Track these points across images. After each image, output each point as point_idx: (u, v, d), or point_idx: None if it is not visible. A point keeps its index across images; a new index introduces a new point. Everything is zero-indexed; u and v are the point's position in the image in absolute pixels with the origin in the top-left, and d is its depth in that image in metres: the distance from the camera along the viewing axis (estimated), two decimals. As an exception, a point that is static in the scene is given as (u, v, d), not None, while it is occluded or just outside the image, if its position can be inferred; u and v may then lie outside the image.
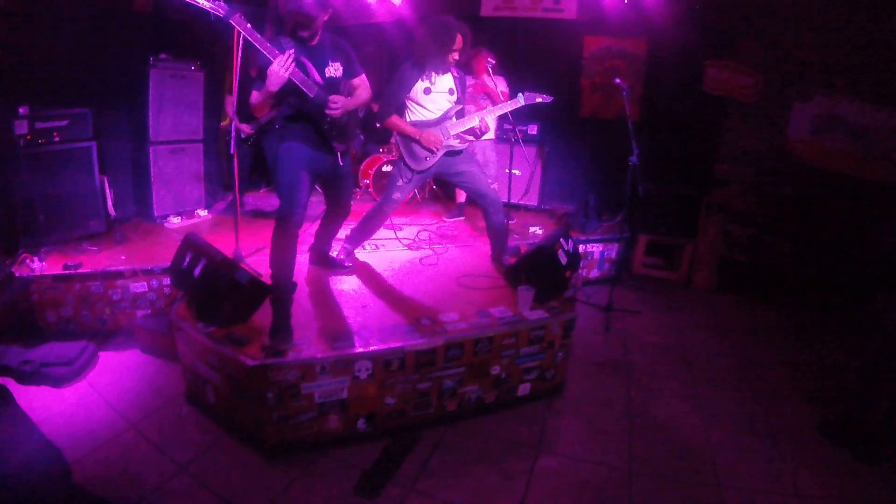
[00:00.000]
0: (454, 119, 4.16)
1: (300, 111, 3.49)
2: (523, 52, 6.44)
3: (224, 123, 5.98)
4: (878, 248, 4.68)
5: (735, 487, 3.04)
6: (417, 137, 4.05)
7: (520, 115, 5.04)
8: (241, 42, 3.96)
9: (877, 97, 5.25)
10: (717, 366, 4.35)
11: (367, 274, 4.39)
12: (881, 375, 3.26)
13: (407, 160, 4.14)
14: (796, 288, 5.68)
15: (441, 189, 6.86)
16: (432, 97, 4.08)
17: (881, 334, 3.24)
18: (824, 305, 5.41)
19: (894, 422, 3.27)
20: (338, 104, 3.46)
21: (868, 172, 5.36)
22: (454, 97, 4.15)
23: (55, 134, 4.45)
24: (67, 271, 4.10)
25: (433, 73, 4.04)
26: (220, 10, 3.15)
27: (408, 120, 4.13)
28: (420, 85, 4.04)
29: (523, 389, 3.68)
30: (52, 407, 3.47)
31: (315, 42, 3.48)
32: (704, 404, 3.82)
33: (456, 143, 4.16)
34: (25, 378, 3.65)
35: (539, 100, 4.34)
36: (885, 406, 3.28)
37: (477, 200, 4.37)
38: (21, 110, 4.27)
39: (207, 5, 3.12)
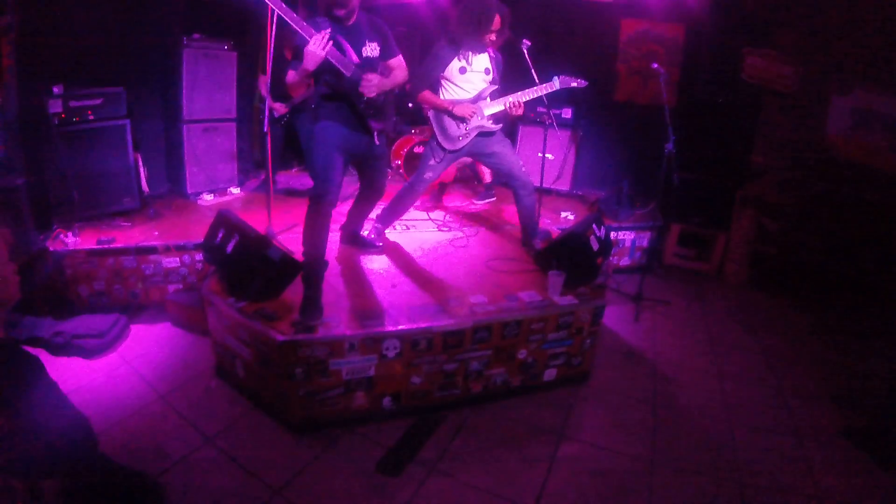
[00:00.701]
0: (489, 99, 4.12)
1: (336, 90, 3.48)
2: (558, 34, 6.34)
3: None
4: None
5: (756, 485, 3.00)
6: (450, 108, 4.02)
7: (554, 99, 4.97)
8: (274, 21, 3.97)
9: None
10: (745, 361, 4.29)
11: (397, 254, 4.39)
12: None
13: (440, 139, 4.11)
14: (828, 285, 5.55)
15: (471, 171, 6.80)
16: (468, 76, 4.05)
17: None
18: (856, 306, 5.29)
19: None
20: (373, 82, 3.45)
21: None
22: (489, 77, 4.11)
23: (89, 112, 4.49)
24: (101, 246, 4.15)
25: (469, 53, 4.00)
26: None
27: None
28: (455, 64, 4.01)
29: (549, 375, 3.67)
30: (82, 378, 3.54)
31: (352, 22, 3.46)
32: (730, 400, 3.77)
33: (489, 124, 4.12)
34: (57, 349, 3.73)
35: (574, 84, 4.26)
36: None
37: (508, 182, 4.34)
38: (55, 89, 4.31)
39: None
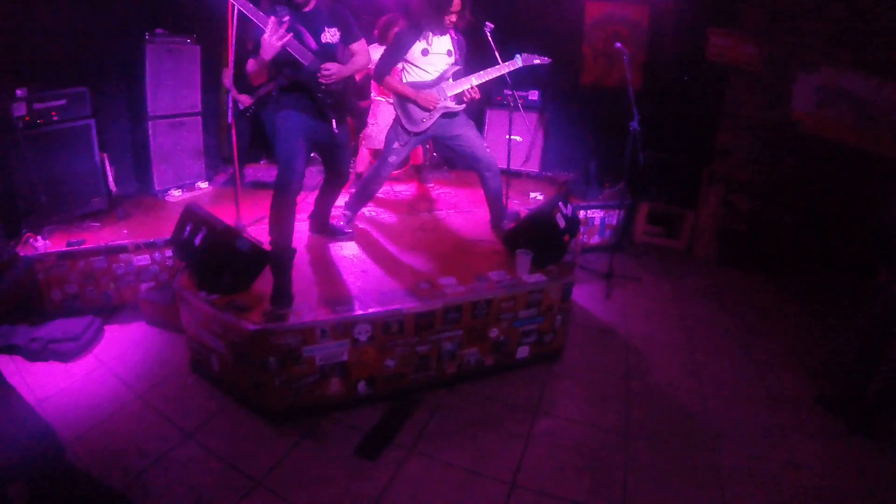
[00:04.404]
0: (451, 80, 4.14)
1: (295, 80, 3.49)
2: (524, 18, 6.33)
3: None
4: (880, 221, 4.63)
5: (730, 453, 3.08)
6: (414, 97, 4.04)
7: (520, 82, 4.98)
8: (235, 12, 3.95)
9: (883, 70, 5.16)
10: (716, 334, 4.38)
11: (366, 240, 4.40)
12: (878, 348, 3.27)
13: (403, 122, 4.13)
14: (797, 260, 5.67)
15: (440, 154, 6.82)
16: (430, 59, 4.05)
17: (878, 307, 3.24)
18: (824, 278, 5.40)
19: (890, 394, 3.29)
20: (331, 70, 3.46)
21: (872, 146, 5.28)
22: (452, 59, 4.12)
23: (54, 114, 4.42)
24: (71, 248, 4.11)
25: (430, 35, 4.01)
26: None
27: (405, 81, 4.12)
28: (418, 46, 4.01)
29: (522, 353, 3.72)
30: (60, 382, 3.53)
31: (310, 8, 3.46)
32: (702, 372, 3.85)
33: (453, 105, 4.14)
34: (34, 355, 3.71)
35: (537, 61, 4.26)
36: (881, 378, 3.30)
37: (473, 165, 4.36)
38: (19, 92, 4.23)
39: None
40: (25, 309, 4.04)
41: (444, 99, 4.11)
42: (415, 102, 4.06)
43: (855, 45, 5.24)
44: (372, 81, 5.42)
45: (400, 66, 4.12)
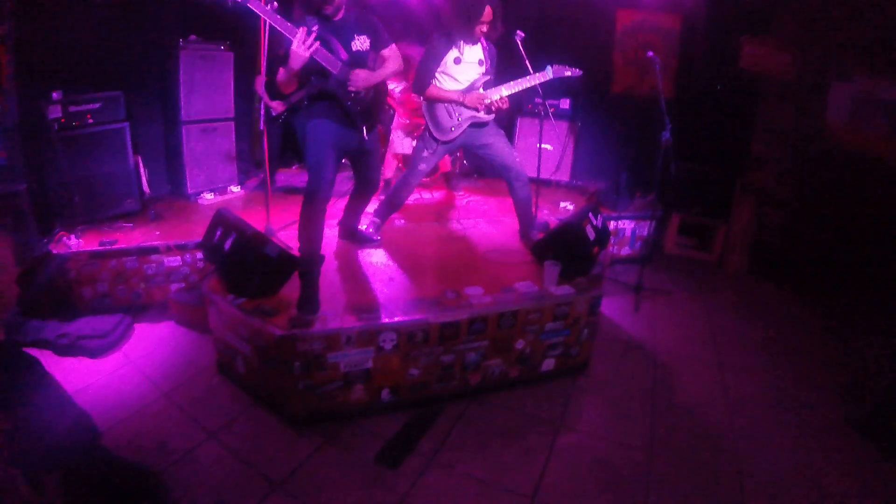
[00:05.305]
0: (482, 90, 4.14)
1: (324, 89, 3.51)
2: (554, 26, 6.32)
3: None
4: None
5: (755, 475, 3.00)
6: (461, 100, 4.08)
7: (552, 90, 4.94)
8: (267, 24, 4.00)
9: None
10: (745, 351, 4.28)
11: (394, 247, 4.40)
12: None
13: (432, 131, 4.15)
14: (830, 275, 5.53)
15: (470, 162, 6.82)
16: (462, 67, 4.08)
17: None
18: (858, 294, 5.26)
19: None
20: (360, 76, 3.49)
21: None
22: (483, 68, 4.14)
23: (88, 116, 4.52)
24: (103, 248, 4.18)
25: (462, 44, 4.04)
26: None
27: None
28: (451, 55, 4.04)
29: (547, 365, 3.68)
30: (88, 377, 3.58)
31: (339, 17, 3.49)
32: (730, 390, 3.77)
33: (482, 114, 4.15)
34: (63, 350, 3.77)
35: (568, 73, 4.27)
36: None
37: (501, 174, 4.35)
38: (55, 95, 4.34)
39: None
40: (56, 305, 4.11)
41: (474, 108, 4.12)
42: (462, 104, 4.08)
43: (890, 54, 5.12)
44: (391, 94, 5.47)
45: None
